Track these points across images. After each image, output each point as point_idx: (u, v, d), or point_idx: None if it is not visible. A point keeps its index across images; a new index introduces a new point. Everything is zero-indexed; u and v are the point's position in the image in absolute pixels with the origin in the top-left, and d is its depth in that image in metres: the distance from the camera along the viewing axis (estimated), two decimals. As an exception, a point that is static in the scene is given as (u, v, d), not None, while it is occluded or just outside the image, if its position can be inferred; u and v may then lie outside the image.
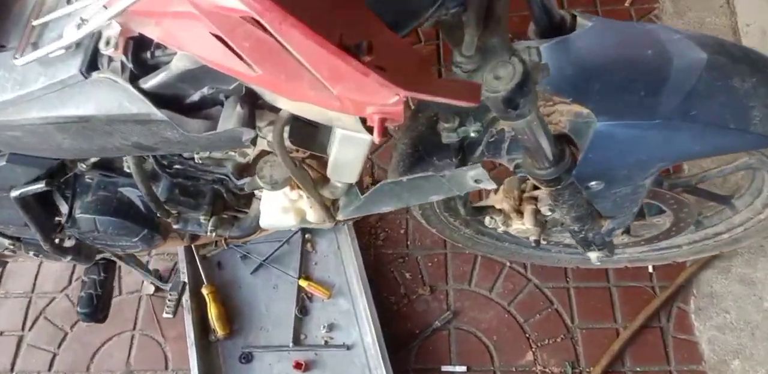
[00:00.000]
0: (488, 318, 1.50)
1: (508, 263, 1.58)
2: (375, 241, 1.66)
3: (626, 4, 1.95)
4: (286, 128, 0.81)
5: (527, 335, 1.47)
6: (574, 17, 0.92)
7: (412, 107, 1.06)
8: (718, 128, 0.84)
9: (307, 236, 1.62)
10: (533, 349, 1.45)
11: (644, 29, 0.93)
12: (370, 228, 1.68)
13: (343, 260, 1.57)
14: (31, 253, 1.17)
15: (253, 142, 0.78)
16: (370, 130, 0.71)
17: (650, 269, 1.53)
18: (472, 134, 0.83)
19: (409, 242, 1.65)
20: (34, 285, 1.66)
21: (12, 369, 1.58)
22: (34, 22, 0.79)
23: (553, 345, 1.45)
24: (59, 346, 1.60)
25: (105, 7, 0.67)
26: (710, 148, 0.85)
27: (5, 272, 1.68)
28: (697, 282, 1.50)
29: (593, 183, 0.89)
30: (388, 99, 0.55)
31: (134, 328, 1.61)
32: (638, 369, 1.40)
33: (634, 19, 1.92)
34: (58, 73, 0.76)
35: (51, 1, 0.82)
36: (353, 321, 1.48)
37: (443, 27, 0.80)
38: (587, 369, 1.41)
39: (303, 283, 1.52)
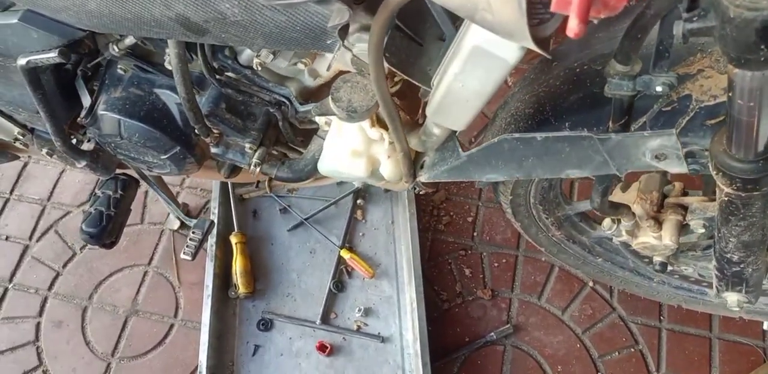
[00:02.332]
0: (555, 342, 1.23)
1: (591, 283, 1.30)
2: (436, 224, 1.40)
3: None
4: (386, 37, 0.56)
5: (599, 373, 1.19)
6: None
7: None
8: None
9: (359, 202, 1.38)
10: (603, 391, 1.18)
11: None
12: (433, 208, 1.42)
13: (395, 238, 1.33)
14: (44, 150, 0.98)
15: (343, 33, 0.53)
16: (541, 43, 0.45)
17: (765, 327, 1.22)
18: (659, 88, 0.55)
19: (475, 234, 1.38)
20: (52, 193, 1.49)
21: (10, 280, 1.43)
22: None
23: (627, 393, 1.17)
24: (64, 266, 1.44)
25: None
26: None
27: (24, 174, 1.52)
28: (826, 355, 1.18)
29: (809, 199, 0.60)
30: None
31: (149, 264, 1.42)
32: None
33: None
34: None
35: None
36: (394, 310, 1.24)
37: None
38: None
39: (345, 254, 1.29)
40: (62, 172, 1.51)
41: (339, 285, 1.29)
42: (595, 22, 0.37)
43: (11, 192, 1.51)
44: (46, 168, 1.52)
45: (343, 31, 0.55)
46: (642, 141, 0.54)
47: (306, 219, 1.36)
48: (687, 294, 1.19)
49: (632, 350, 1.21)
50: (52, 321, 1.37)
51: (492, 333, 1.22)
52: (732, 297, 0.85)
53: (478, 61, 0.51)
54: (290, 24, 0.54)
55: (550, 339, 1.23)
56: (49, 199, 1.49)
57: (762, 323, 1.23)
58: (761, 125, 0.52)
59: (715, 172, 0.59)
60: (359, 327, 1.24)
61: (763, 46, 0.40)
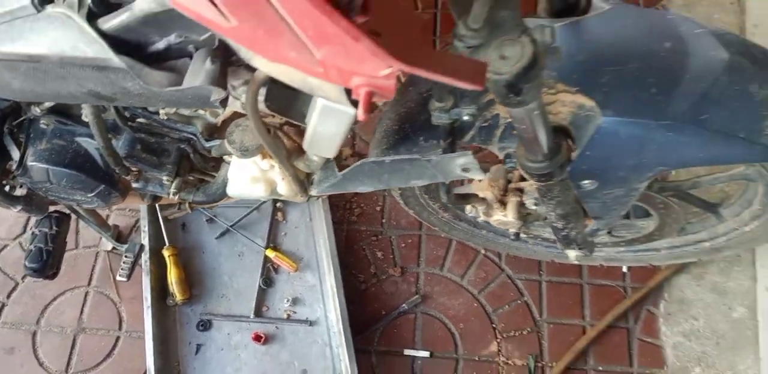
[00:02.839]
0: (457, 305, 1.46)
1: (482, 251, 1.54)
2: (349, 216, 1.60)
3: None
4: (262, 90, 0.73)
5: (494, 325, 1.44)
6: None
7: (403, 80, 0.99)
8: (726, 137, 0.78)
9: (278, 204, 1.55)
10: (498, 340, 1.42)
11: (665, 19, 0.85)
12: (345, 202, 1.61)
13: (313, 233, 1.51)
14: (-22, 199, 1.08)
15: (224, 103, 0.70)
16: (354, 104, 0.64)
17: (624, 270, 1.51)
18: (466, 117, 0.76)
19: (384, 221, 1.59)
20: (-15, 230, 1.58)
21: (-44, 316, 1.51)
22: None
23: (518, 338, 1.42)
24: (8, 296, 1.53)
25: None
26: (715, 156, 0.80)
27: (-47, 216, 1.59)
28: (669, 286, 1.48)
29: (586, 182, 0.83)
30: (379, 71, 0.47)
31: (89, 285, 1.54)
32: (600, 368, 1.39)
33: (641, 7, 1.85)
34: (7, 2, 0.67)
35: None
36: (318, 296, 1.43)
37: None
38: (550, 364, 1.39)
39: (270, 253, 1.46)
40: (-10, 210, 1.59)
41: (267, 281, 1.46)
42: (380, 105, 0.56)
43: (-56, 235, 1.58)
44: (-27, 208, 1.59)
45: (224, 100, 0.71)
46: (453, 160, 0.75)
47: (231, 226, 1.52)
48: (556, 251, 1.45)
49: (519, 302, 1.47)
50: (3, 349, 1.48)
51: (404, 304, 1.45)
52: (571, 253, 1.10)
53: (329, 113, 0.70)
54: (183, 95, 0.70)
55: (453, 303, 1.46)
56: (-16, 236, 1.57)
57: (622, 267, 1.51)
58: (539, 137, 0.73)
59: (522, 170, 0.80)
60: (289, 316, 1.42)
61: (511, 95, 0.61)
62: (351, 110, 0.66)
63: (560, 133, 0.81)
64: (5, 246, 1.56)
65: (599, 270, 1.50)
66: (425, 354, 1.42)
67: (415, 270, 1.51)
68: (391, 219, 1.59)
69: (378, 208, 1.61)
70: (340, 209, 1.60)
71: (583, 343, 1.39)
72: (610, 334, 1.42)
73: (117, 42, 0.65)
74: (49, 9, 0.65)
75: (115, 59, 0.64)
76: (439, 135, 0.86)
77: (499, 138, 0.88)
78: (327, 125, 0.72)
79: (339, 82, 0.53)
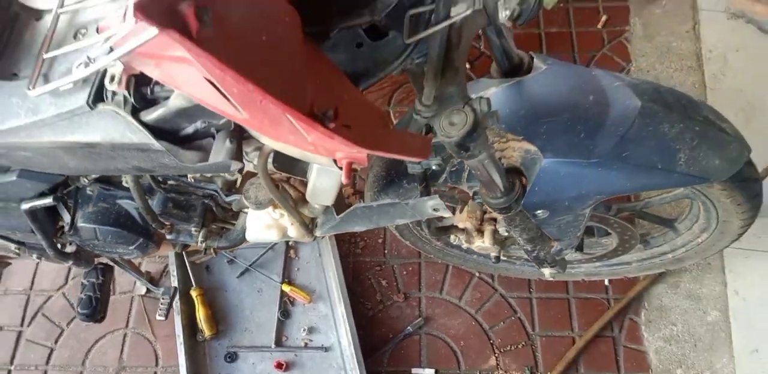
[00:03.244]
0: (457, 324, 1.62)
1: (477, 274, 1.70)
2: (354, 249, 1.77)
3: (599, 26, 2.07)
4: (270, 157, 0.92)
5: (491, 341, 1.59)
6: (531, 58, 1.04)
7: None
8: (647, 168, 0.95)
9: (290, 243, 1.73)
10: (496, 354, 1.57)
11: (590, 75, 1.04)
12: (350, 237, 1.79)
13: (323, 267, 1.69)
14: (34, 256, 1.27)
15: (240, 169, 0.89)
16: (340, 168, 0.83)
17: (606, 283, 1.66)
18: (434, 167, 0.95)
19: (386, 252, 1.77)
20: (32, 283, 1.76)
21: (11, 363, 1.68)
22: (45, 56, 0.88)
23: (514, 351, 1.58)
24: (56, 342, 1.71)
25: (111, 48, 0.78)
26: (641, 185, 0.97)
27: (5, 272, 1.78)
28: (648, 295, 1.63)
29: (539, 212, 1.01)
30: (353, 150, 0.66)
31: (127, 326, 1.71)
32: (590, 375, 1.53)
33: (605, 41, 2.04)
34: (68, 103, 0.85)
35: (60, 33, 0.92)
36: (331, 324, 1.60)
37: (410, 75, 0.92)
38: (543, 374, 1.54)
39: (285, 288, 1.64)
40: (38, 263, 1.78)
41: (285, 313, 1.63)
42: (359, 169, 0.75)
43: (-3, 289, 1.77)
44: (23, 263, 1.79)
45: (242, 169, 0.91)
46: (425, 203, 0.93)
47: (250, 266, 1.70)
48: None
49: (513, 318, 1.62)
50: (55, 389, 1.65)
51: (409, 327, 1.61)
52: (546, 271, 1.26)
53: (323, 173, 0.89)
54: (209, 167, 0.89)
55: (453, 323, 1.62)
56: (31, 288, 1.76)
57: (604, 281, 1.66)
58: (494, 179, 0.92)
59: (486, 205, 0.98)
60: (306, 343, 1.59)
61: (461, 151, 0.79)
62: (339, 171, 0.85)
63: (514, 173, 1.00)
64: (50, 297, 1.75)
65: (583, 285, 1.65)
66: (431, 371, 1.57)
67: (417, 295, 1.68)
68: (392, 250, 1.77)
69: (380, 240, 1.79)
70: (346, 243, 1.78)
71: (573, 353, 1.54)
72: (597, 343, 1.57)
73: (156, 129, 0.84)
74: (101, 107, 0.84)
75: (156, 143, 0.84)
76: (417, 180, 1.05)
77: (467, 179, 1.07)
78: (323, 181, 0.91)
79: (327, 155, 0.72)
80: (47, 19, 0.84)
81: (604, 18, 2.06)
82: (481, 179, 0.91)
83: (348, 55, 0.83)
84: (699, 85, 1.93)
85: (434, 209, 0.93)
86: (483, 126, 0.79)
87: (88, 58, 0.80)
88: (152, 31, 0.51)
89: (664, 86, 1.06)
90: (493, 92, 1.02)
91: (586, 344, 1.55)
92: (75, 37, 0.86)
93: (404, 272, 1.72)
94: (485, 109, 0.86)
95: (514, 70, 1.03)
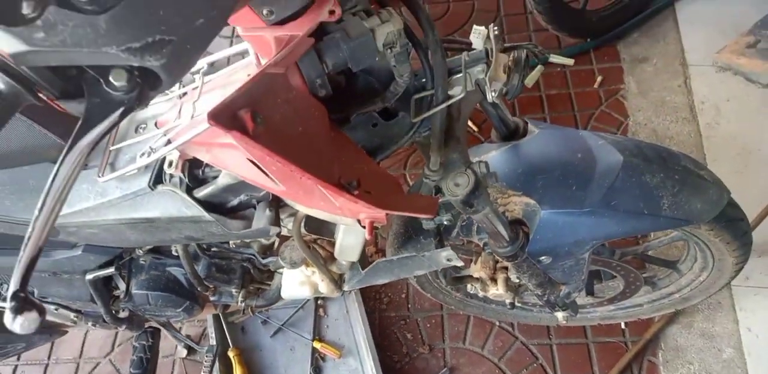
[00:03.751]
0: (481, 373, 1.69)
1: (497, 323, 1.78)
2: (380, 305, 1.87)
3: (595, 86, 2.25)
4: (302, 222, 1.06)
5: (515, 388, 1.66)
6: (526, 123, 1.19)
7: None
8: (635, 214, 1.08)
9: (319, 301, 1.84)
10: (521, 401, 1.63)
11: (577, 136, 1.19)
12: (375, 294, 1.90)
13: (351, 323, 1.79)
14: (90, 323, 1.40)
15: (279, 236, 1.04)
16: (363, 227, 0.97)
17: (622, 326, 1.73)
18: (446, 222, 1.08)
19: (409, 306, 1.86)
20: (81, 351, 1.87)
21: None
22: (111, 148, 1.05)
23: (538, 397, 1.63)
24: (102, 406, 1.80)
25: (169, 140, 0.95)
26: (631, 229, 1.09)
27: (56, 341, 1.90)
28: (664, 336, 1.69)
29: (543, 257, 1.12)
30: (374, 211, 0.81)
31: (168, 389, 1.80)
32: (614, 417, 1.57)
33: (603, 99, 2.21)
34: (132, 186, 1.01)
35: (122, 128, 1.09)
36: (361, 378, 1.68)
37: (419, 145, 1.07)
38: (568, 418, 1.59)
39: (316, 344, 1.73)
40: (86, 332, 1.90)
41: (317, 369, 1.72)
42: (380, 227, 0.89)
43: (48, 358, 1.88)
44: (72, 331, 1.91)
45: (279, 233, 1.05)
46: (439, 254, 1.06)
47: (282, 325, 1.80)
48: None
49: (535, 365, 1.69)
50: None
51: (435, 377, 1.68)
52: (559, 315, 1.36)
53: (349, 232, 1.02)
54: (252, 233, 1.04)
55: (477, 371, 1.69)
56: (80, 356, 1.87)
57: (620, 324, 1.74)
58: (499, 230, 1.04)
59: (495, 254, 1.11)
60: (339, 396, 1.67)
61: (467, 208, 0.92)
62: (362, 229, 0.99)
63: (517, 224, 1.13)
64: (98, 363, 1.85)
65: (600, 329, 1.73)
66: (461, 420, 1.63)
67: (441, 346, 1.76)
68: (415, 304, 1.87)
69: (403, 295, 1.89)
70: (371, 299, 1.88)
71: (596, 395, 1.59)
72: (619, 385, 1.62)
73: (206, 204, 0.99)
74: (161, 188, 0.99)
75: (207, 215, 0.98)
76: (432, 234, 1.18)
77: (476, 232, 1.20)
78: (349, 239, 1.05)
79: (352, 217, 0.86)
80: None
81: (599, 78, 2.23)
82: (487, 231, 1.04)
83: (366, 133, 0.99)
84: (695, 134, 2.06)
85: (448, 259, 1.05)
86: (484, 185, 0.93)
87: (150, 148, 0.97)
88: (205, 124, 0.66)
89: (645, 142, 1.20)
90: (493, 155, 1.17)
91: (609, 386, 1.61)
92: (136, 131, 1.04)
93: (428, 325, 1.81)
94: (485, 171, 1.00)
95: (512, 134, 1.18)
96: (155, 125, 1.03)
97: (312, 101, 0.77)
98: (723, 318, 1.69)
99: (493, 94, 0.89)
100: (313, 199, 0.88)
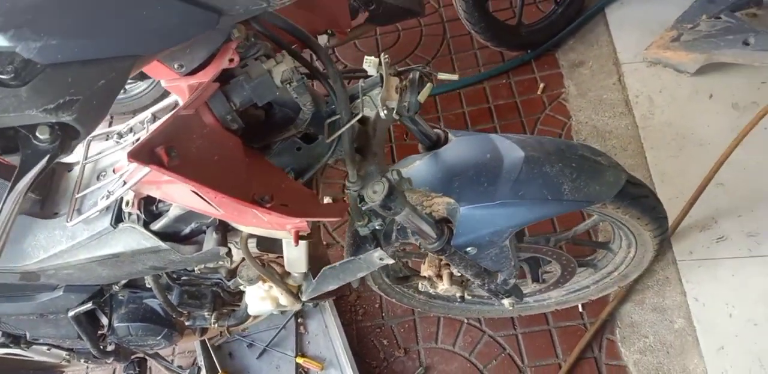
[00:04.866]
0: (454, 368, 1.80)
1: (465, 320, 1.90)
2: (355, 317, 1.99)
3: (538, 93, 2.42)
4: (251, 242, 1.20)
5: (486, 378, 1.77)
6: (446, 133, 1.34)
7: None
8: (541, 201, 1.22)
9: (299, 320, 1.96)
10: (493, 389, 1.74)
11: (487, 139, 1.33)
12: (350, 307, 2.02)
13: (330, 337, 1.90)
14: (82, 360, 1.52)
15: (229, 254, 1.18)
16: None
17: (580, 309, 1.85)
18: (377, 227, 1.22)
19: (383, 314, 1.99)
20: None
21: None
22: (77, 195, 1.19)
23: (509, 384, 1.75)
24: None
25: (124, 182, 1.09)
26: (541, 214, 1.23)
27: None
28: (619, 315, 1.82)
29: (469, 249, 1.26)
30: (295, 222, 0.95)
31: (166, 421, 1.90)
32: (580, 394, 1.69)
33: (546, 104, 2.38)
34: (97, 227, 1.14)
35: (86, 177, 1.24)
36: (343, 386, 1.79)
37: (343, 161, 1.22)
38: (537, 400, 1.70)
39: (299, 360, 1.85)
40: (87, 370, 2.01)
41: (302, 382, 1.83)
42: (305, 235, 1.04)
43: (51, 403, 1.98)
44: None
45: (229, 252, 1.19)
46: (372, 255, 1.19)
47: (266, 346, 1.92)
48: (519, 307, 1.82)
49: (503, 355, 1.80)
50: None
51: (411, 377, 1.79)
52: (505, 301, 1.49)
53: (290, 244, 1.17)
54: (205, 255, 1.17)
55: (451, 368, 1.80)
56: (81, 398, 1.97)
57: (578, 306, 1.86)
58: (423, 228, 1.18)
59: (426, 251, 1.25)
60: (322, 406, 1.77)
61: (387, 211, 1.07)
62: (302, 242, 1.13)
63: (443, 222, 1.27)
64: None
65: (560, 315, 1.85)
66: (440, 415, 1.73)
67: (416, 348, 1.87)
68: (389, 312, 1.99)
69: (377, 305, 2.02)
70: (347, 312, 2.00)
71: (561, 377, 1.71)
72: (581, 365, 1.73)
73: (162, 235, 1.13)
74: (121, 225, 1.13)
75: (163, 245, 1.12)
76: (370, 240, 1.32)
77: (411, 234, 1.34)
78: (292, 252, 1.19)
79: (280, 229, 1.00)
80: (76, 169, 1.16)
81: (542, 85, 2.40)
82: (413, 229, 1.19)
83: (292, 157, 1.14)
84: (632, 126, 2.22)
85: (380, 259, 1.19)
86: (399, 190, 1.07)
87: (108, 191, 1.11)
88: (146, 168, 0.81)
89: (546, 138, 1.35)
90: (417, 164, 1.32)
91: (571, 367, 1.72)
92: (98, 178, 1.18)
93: (402, 330, 1.93)
94: (397, 177, 1.15)
95: (435, 145, 1.33)
96: (113, 171, 1.17)
97: (225, 133, 0.93)
98: (671, 292, 1.81)
99: (384, 112, 1.05)
100: (246, 218, 1.03)
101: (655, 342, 1.74)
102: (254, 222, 1.02)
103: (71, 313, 1.31)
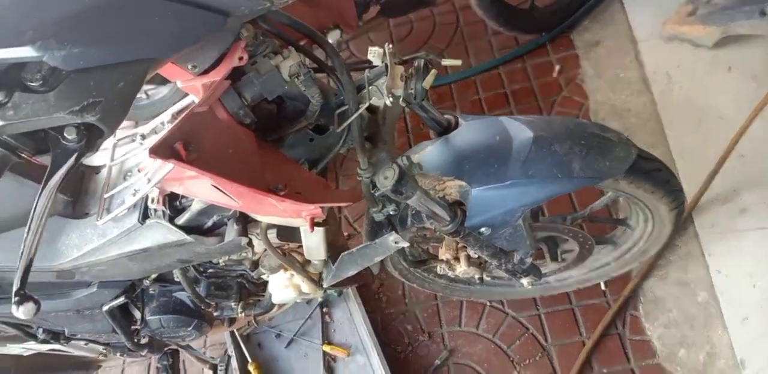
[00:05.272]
0: (478, 350, 1.83)
1: (488, 303, 1.93)
2: (379, 304, 2.03)
3: (554, 75, 2.39)
4: (271, 232, 1.24)
5: (511, 358, 1.79)
6: (456, 118, 1.36)
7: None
8: (552, 179, 1.23)
9: (324, 309, 2.01)
10: (518, 370, 1.77)
11: (496, 121, 1.35)
12: (374, 294, 2.06)
13: (355, 324, 1.95)
14: (118, 354, 1.59)
15: (250, 244, 1.22)
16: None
17: (603, 287, 1.86)
18: (392, 212, 1.25)
19: (406, 300, 2.02)
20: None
21: None
22: (105, 195, 1.24)
23: (533, 364, 1.77)
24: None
25: (149, 180, 1.14)
26: (551, 192, 1.24)
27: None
28: (642, 290, 1.82)
29: (483, 229, 1.28)
30: (309, 208, 0.99)
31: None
32: (605, 371, 1.70)
33: (563, 86, 2.36)
34: (125, 224, 1.19)
35: (113, 178, 1.29)
36: (369, 371, 1.83)
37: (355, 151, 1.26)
38: (563, 378, 1.72)
39: (326, 348, 1.89)
40: (122, 371, 2.09)
41: (329, 369, 1.88)
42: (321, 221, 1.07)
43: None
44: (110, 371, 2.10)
45: (250, 242, 1.23)
46: (386, 239, 1.22)
47: (294, 335, 1.97)
48: (540, 288, 1.84)
49: (526, 335, 1.83)
50: None
51: (437, 361, 1.82)
52: (524, 281, 1.51)
53: (307, 233, 1.20)
54: (228, 246, 1.22)
55: (475, 349, 1.83)
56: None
57: (600, 284, 1.87)
58: (436, 211, 1.21)
59: (441, 233, 1.27)
60: (350, 391, 1.82)
61: (398, 195, 1.09)
62: (319, 229, 1.17)
63: (456, 204, 1.29)
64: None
65: (583, 293, 1.86)
66: (464, 396, 1.76)
67: (440, 332, 1.91)
68: (411, 298, 2.02)
69: (399, 292, 2.05)
70: (371, 300, 2.04)
71: (585, 354, 1.72)
72: (605, 342, 1.75)
73: (187, 228, 1.18)
74: (148, 221, 1.18)
75: (188, 238, 1.17)
76: (385, 225, 1.35)
77: (426, 218, 1.37)
78: (310, 240, 1.23)
79: (296, 216, 1.04)
80: (104, 171, 1.21)
81: (557, 68, 2.38)
82: (427, 213, 1.21)
83: (305, 148, 1.18)
84: (650, 103, 2.18)
85: (395, 242, 1.23)
86: (409, 174, 1.10)
87: (135, 190, 1.16)
88: (168, 163, 0.86)
89: (556, 117, 1.37)
90: (429, 149, 1.34)
91: (595, 344, 1.73)
92: (125, 178, 1.23)
93: (425, 315, 1.96)
94: (407, 163, 1.17)
95: (446, 130, 1.35)
96: (138, 171, 1.22)
97: (239, 128, 0.97)
98: (694, 266, 1.81)
99: (390, 100, 1.08)
100: (264, 208, 1.07)
101: (679, 315, 1.74)
102: (271, 211, 1.06)
103: (105, 308, 1.37)
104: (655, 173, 1.38)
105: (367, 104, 1.08)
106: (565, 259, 1.66)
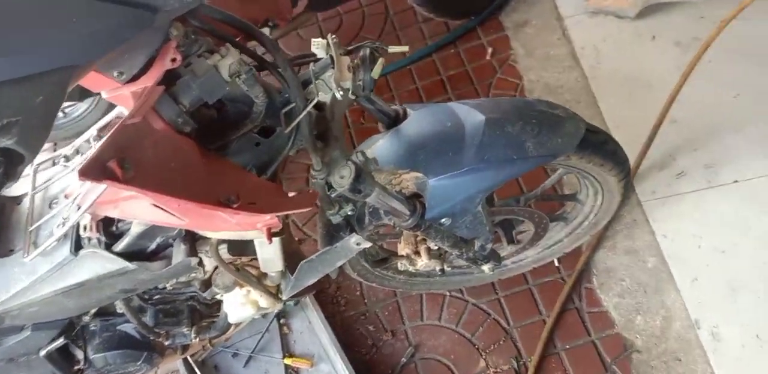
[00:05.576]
0: (443, 342, 1.81)
1: (448, 293, 1.91)
2: (338, 308, 1.96)
3: (487, 58, 2.37)
4: (222, 248, 1.14)
5: (476, 346, 1.78)
6: (404, 109, 1.30)
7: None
8: (507, 161, 1.21)
9: (282, 321, 1.91)
10: (484, 356, 1.76)
11: (445, 107, 1.29)
12: (332, 298, 1.98)
13: (316, 332, 1.86)
14: (62, 400, 1.43)
15: (201, 264, 1.11)
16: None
17: (556, 264, 1.88)
18: (349, 213, 1.18)
19: (366, 301, 1.96)
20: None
21: None
22: (30, 228, 1.09)
23: (498, 348, 1.77)
24: None
25: (78, 206, 1.01)
26: (508, 175, 1.21)
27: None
28: (594, 263, 1.85)
29: (443, 220, 1.24)
30: (265, 219, 0.90)
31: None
32: (567, 346, 1.73)
33: (497, 68, 2.33)
34: (56, 258, 1.04)
35: (37, 208, 1.13)
36: (335, 380, 1.77)
37: (305, 153, 1.17)
38: (528, 359, 1.72)
39: (288, 361, 1.80)
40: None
41: (294, 383, 1.79)
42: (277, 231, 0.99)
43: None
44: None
45: (201, 262, 1.12)
46: (348, 241, 1.16)
47: (252, 353, 1.86)
48: (499, 271, 1.83)
49: (489, 320, 1.82)
50: None
51: (403, 358, 1.79)
52: (485, 267, 1.48)
53: (262, 245, 1.11)
54: (176, 269, 1.10)
55: (439, 342, 1.81)
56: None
57: (553, 261, 1.88)
58: (395, 207, 1.15)
59: (401, 229, 1.22)
60: (318, 402, 1.74)
61: (356, 194, 1.02)
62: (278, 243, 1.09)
63: (414, 197, 1.24)
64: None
65: (538, 272, 1.87)
66: (432, 391, 1.73)
67: (403, 329, 1.87)
68: (371, 297, 1.96)
69: (358, 293, 1.99)
70: (329, 304, 1.96)
71: (546, 333, 1.73)
72: (565, 317, 1.77)
73: (127, 254, 1.06)
74: (82, 252, 1.04)
75: (130, 265, 1.05)
76: (343, 227, 1.28)
77: (384, 215, 1.31)
78: (265, 252, 1.14)
79: (252, 229, 0.95)
80: (26, 201, 1.06)
81: (490, 50, 2.37)
82: (386, 209, 1.16)
83: (251, 153, 1.07)
84: (581, 78, 2.19)
85: (357, 244, 1.16)
86: (366, 171, 1.03)
87: (63, 219, 1.03)
88: (101, 185, 0.74)
89: (503, 98, 1.34)
90: (380, 143, 1.27)
91: (555, 321, 1.75)
92: (50, 207, 1.09)
93: (386, 313, 1.91)
94: (363, 159, 1.11)
95: (395, 122, 1.29)
96: (65, 196, 1.08)
97: (178, 137, 0.86)
98: (640, 233, 1.85)
99: (340, 93, 1.00)
100: (214, 223, 0.97)
101: (632, 283, 1.79)
102: (223, 226, 0.96)
103: (43, 352, 1.22)
104: (602, 145, 1.39)
105: (315, 100, 1.00)
106: (521, 241, 1.66)
